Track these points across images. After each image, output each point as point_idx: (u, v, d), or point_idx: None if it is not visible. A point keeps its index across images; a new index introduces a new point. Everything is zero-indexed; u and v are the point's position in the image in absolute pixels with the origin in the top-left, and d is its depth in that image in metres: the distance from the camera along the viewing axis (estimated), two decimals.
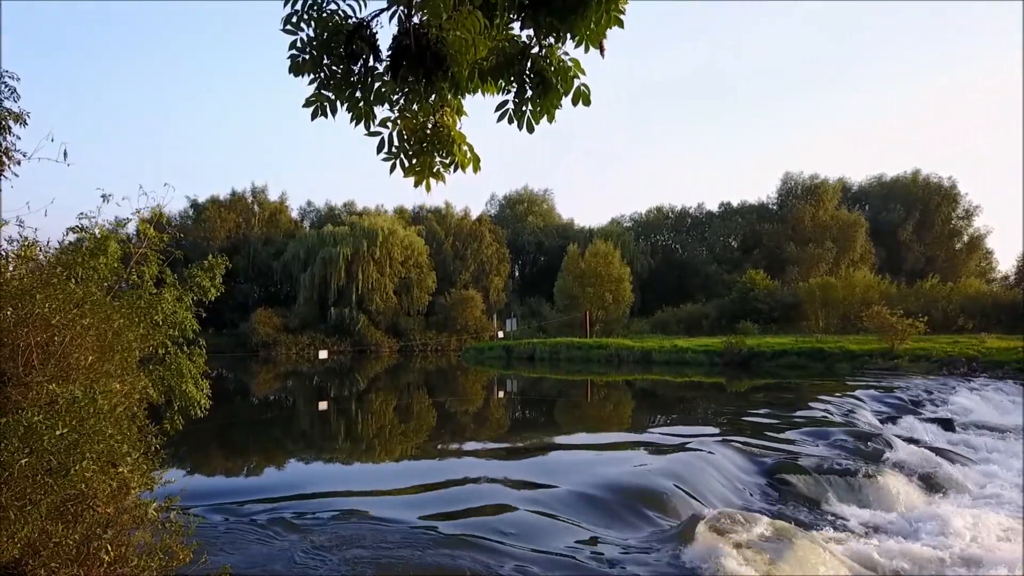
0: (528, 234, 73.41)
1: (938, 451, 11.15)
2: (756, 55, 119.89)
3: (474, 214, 70.12)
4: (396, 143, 3.44)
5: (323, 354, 42.64)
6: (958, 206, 72.16)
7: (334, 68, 3.33)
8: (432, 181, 3.48)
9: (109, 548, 3.38)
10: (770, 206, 71.87)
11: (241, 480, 9.03)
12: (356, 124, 3.31)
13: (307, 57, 3.29)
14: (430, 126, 3.46)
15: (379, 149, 3.42)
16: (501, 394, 23.92)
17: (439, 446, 11.86)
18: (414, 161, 3.44)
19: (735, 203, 73.99)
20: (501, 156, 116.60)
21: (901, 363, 27.75)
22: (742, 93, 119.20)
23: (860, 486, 8.77)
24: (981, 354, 27.77)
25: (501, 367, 35.96)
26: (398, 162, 3.45)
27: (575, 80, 3.60)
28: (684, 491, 7.52)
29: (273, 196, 65.33)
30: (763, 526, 6.39)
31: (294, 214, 68.70)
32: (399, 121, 3.41)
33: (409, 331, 55.45)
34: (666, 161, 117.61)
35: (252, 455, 11.26)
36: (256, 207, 63.68)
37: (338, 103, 3.36)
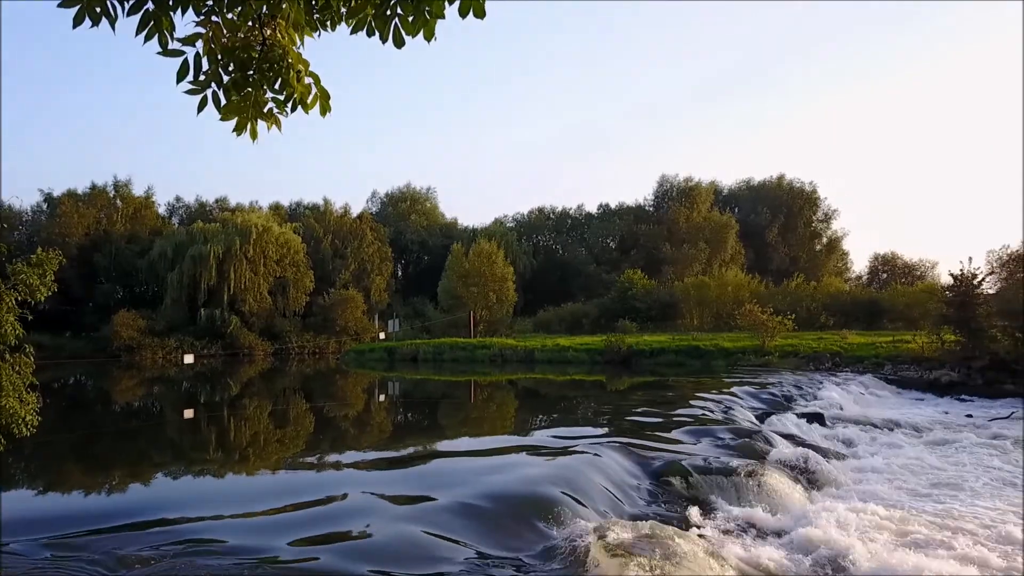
0: (411, 233, 72.27)
1: (814, 447, 11.30)
2: (637, 62, 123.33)
3: (355, 211, 68.34)
4: (207, 68, 2.42)
5: (189, 358, 40.00)
6: (818, 209, 76.60)
7: None
8: (262, 126, 2.53)
9: None
10: (647, 208, 73.86)
11: (91, 501, 7.91)
12: (147, 39, 2.34)
13: None
14: (257, 46, 2.46)
15: (180, 76, 2.41)
16: (383, 397, 23.07)
17: (314, 457, 10.99)
18: (233, 96, 2.43)
19: (613, 204, 75.62)
20: (382, 152, 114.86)
21: (772, 359, 28.80)
22: (619, 98, 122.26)
23: (745, 486, 8.64)
24: (843, 350, 29.24)
25: (383, 369, 34.97)
26: (210, 95, 2.46)
27: None
28: (573, 498, 7.09)
29: (138, 191, 61.19)
30: (653, 534, 6.05)
31: (161, 210, 64.75)
32: (211, 35, 2.42)
33: (285, 333, 53.15)
34: (547, 162, 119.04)
35: (112, 470, 10.07)
36: (119, 202, 59.35)
37: (118, 2, 2.39)
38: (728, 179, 79.53)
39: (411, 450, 11.43)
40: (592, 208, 76.98)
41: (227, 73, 2.39)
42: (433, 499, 6.78)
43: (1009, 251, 29.02)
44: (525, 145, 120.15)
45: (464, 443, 12.49)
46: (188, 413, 18.54)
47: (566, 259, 70.82)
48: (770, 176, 77.39)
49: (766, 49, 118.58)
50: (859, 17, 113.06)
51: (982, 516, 7.62)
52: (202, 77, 2.45)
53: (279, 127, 2.52)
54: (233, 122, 2.42)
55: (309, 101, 2.52)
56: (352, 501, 6.97)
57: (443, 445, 12.18)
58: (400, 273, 73.49)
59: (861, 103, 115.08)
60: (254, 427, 15.34)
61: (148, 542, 5.63)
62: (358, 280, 60.98)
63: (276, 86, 2.45)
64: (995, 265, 28.49)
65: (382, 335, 49.12)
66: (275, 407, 19.64)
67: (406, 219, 74.58)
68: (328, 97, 2.58)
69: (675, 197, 71.66)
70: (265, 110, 2.51)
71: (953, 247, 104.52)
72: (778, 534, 7.33)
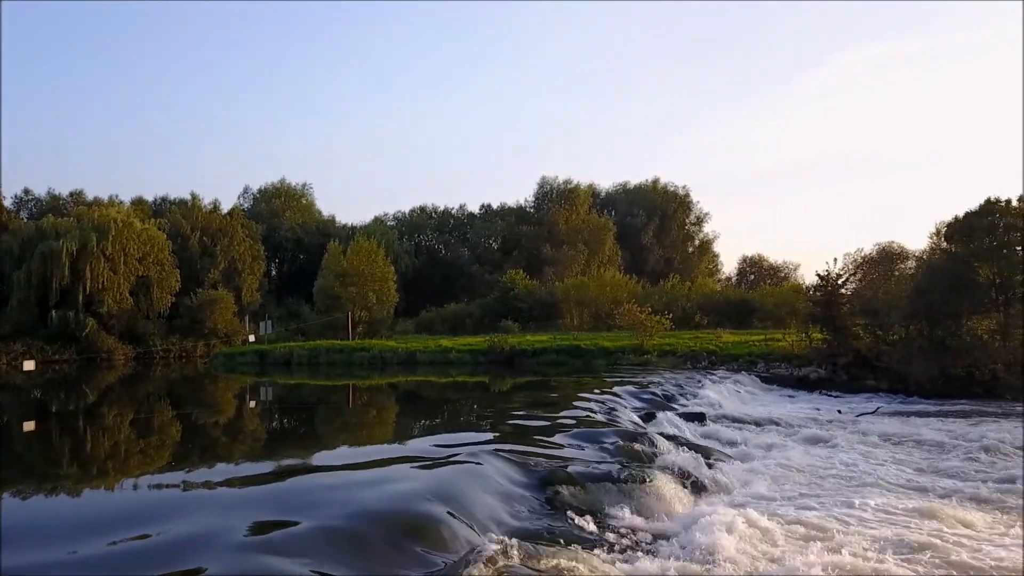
0: (286, 230, 69.66)
1: (699, 448, 11.21)
2: (513, 60, 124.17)
3: (225, 207, 65.08)
4: None
5: (29, 365, 36.19)
6: (691, 213, 79.48)
7: None
8: None
9: None
10: (528, 209, 74.33)
11: None
12: None
13: None
14: None
15: None
16: (254, 404, 21.70)
17: (170, 473, 9.83)
18: None
19: (495, 205, 75.64)
20: (255, 146, 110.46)
21: (651, 358, 29.25)
22: (498, 94, 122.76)
23: (633, 492, 8.33)
24: (719, 348, 30.07)
25: (254, 374, 33.22)
26: None
27: None
28: (456, 516, 6.47)
29: None
30: (542, 552, 5.58)
31: (8, 203, 59.38)
32: None
33: (149, 336, 49.81)
34: (429, 159, 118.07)
35: None
36: None
37: None
38: (606, 182, 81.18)
39: (278, 463, 10.48)
40: (475, 208, 76.77)
41: None
42: (296, 523, 5.99)
43: (863, 254, 30.84)
44: (406, 143, 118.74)
45: (338, 454, 11.66)
46: (28, 426, 16.62)
47: (448, 259, 70.23)
48: (646, 180, 79.75)
49: (642, 54, 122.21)
50: (733, 25, 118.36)
51: (868, 518, 7.57)
52: None
53: None
54: None
55: None
56: (196, 529, 6.06)
57: (314, 456, 11.28)
58: (274, 272, 70.76)
59: (729, 112, 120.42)
60: (105, 442, 13.84)
61: None
62: (228, 280, 58.00)
63: None
64: (851, 267, 30.10)
65: (252, 337, 46.88)
66: (137, 416, 17.96)
67: (280, 216, 71.85)
68: None
69: (555, 199, 72.46)
70: None
71: (813, 250, 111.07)
72: (668, 542, 7.04)
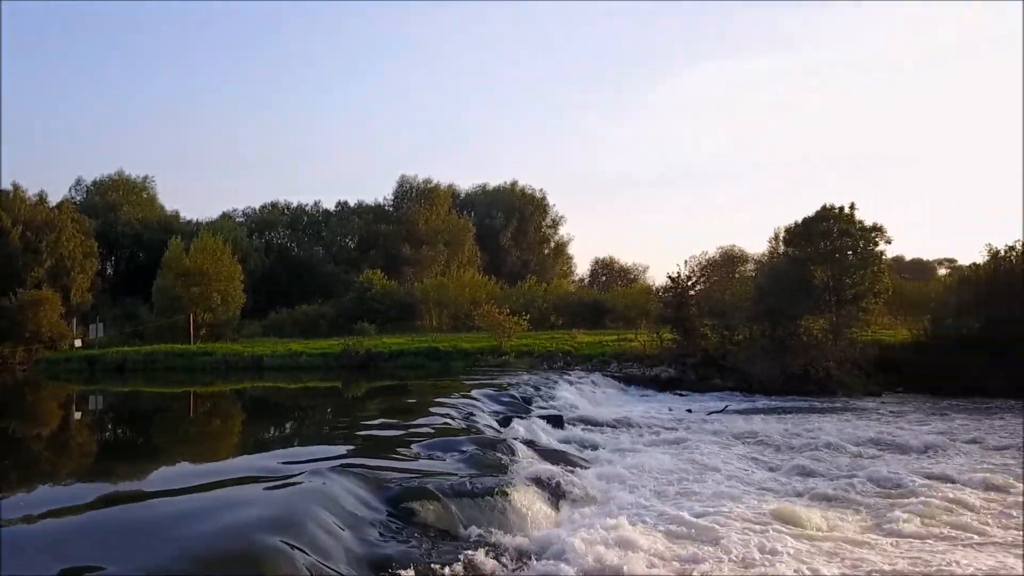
0: (123, 226, 64.70)
1: (557, 454, 11.00)
2: (374, 58, 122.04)
3: (53, 200, 59.45)
4: None
5: None
6: (548, 215, 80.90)
7: None
8: None
9: None
10: (387, 207, 72.96)
11: None
12: None
13: None
14: None
15: None
16: (80, 415, 19.72)
17: None
18: None
19: (352, 202, 73.75)
20: (87, 131, 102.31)
21: (509, 359, 29.21)
22: (356, 91, 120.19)
23: (493, 506, 7.92)
24: (574, 348, 30.48)
25: (82, 381, 30.47)
26: None
27: None
28: (298, 548, 5.76)
29: None
30: None
31: None
32: None
33: None
34: (283, 154, 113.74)
35: None
36: None
37: None
38: (465, 183, 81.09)
39: (105, 485, 9.30)
40: (330, 205, 74.46)
41: None
42: (100, 569, 5.10)
43: (708, 257, 32.29)
44: (257, 137, 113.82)
45: (173, 472, 10.51)
46: None
47: (302, 258, 67.62)
48: (504, 182, 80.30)
49: (502, 57, 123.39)
50: (593, 32, 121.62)
51: (732, 521, 7.53)
52: None
53: None
54: None
55: None
56: None
57: (147, 476, 10.11)
58: (110, 271, 65.52)
59: (585, 119, 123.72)
60: None
61: None
62: (55, 279, 52.89)
63: None
64: (696, 269, 31.38)
65: (78, 342, 43.07)
66: None
67: (117, 211, 66.68)
68: None
69: (415, 198, 71.56)
70: None
71: (661, 253, 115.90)
72: (529, 561, 6.68)
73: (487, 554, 6.69)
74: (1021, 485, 9.32)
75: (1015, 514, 8.08)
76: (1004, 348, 21.68)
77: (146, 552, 5.56)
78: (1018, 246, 24.63)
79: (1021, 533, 7.35)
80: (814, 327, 24.46)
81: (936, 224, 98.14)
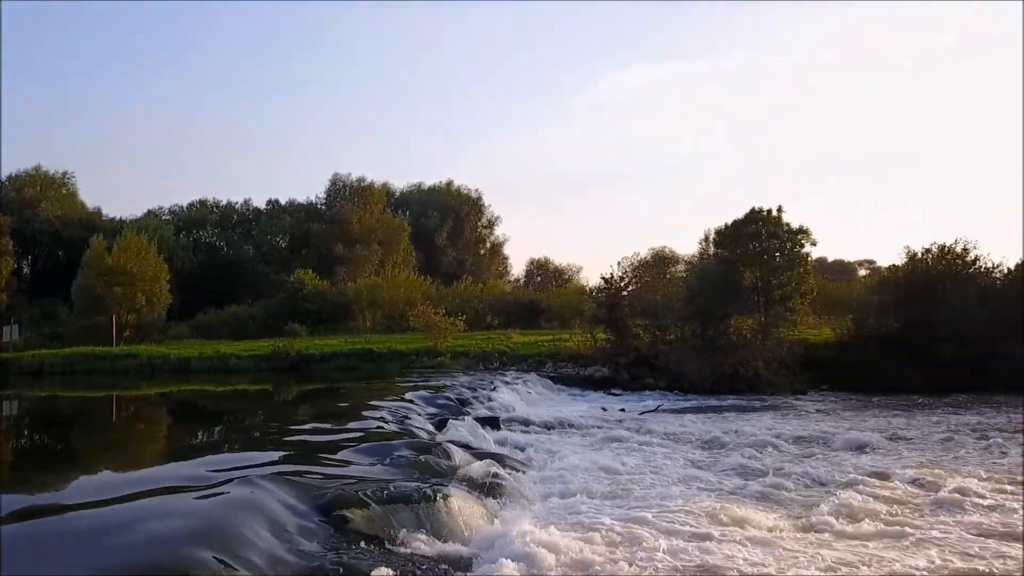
0: (41, 223, 62.06)
1: (494, 456, 10.93)
2: (307, 56, 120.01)
3: None
4: None
5: None
6: (483, 216, 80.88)
7: None
8: None
9: None
10: (319, 206, 71.79)
11: None
12: None
13: None
14: None
15: None
16: None
17: None
18: None
19: (283, 201, 72.36)
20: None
21: (445, 360, 29.08)
22: (289, 87, 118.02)
23: (429, 512, 7.80)
24: (510, 349, 30.55)
25: None
26: None
27: None
28: (225, 562, 5.56)
29: None
30: None
31: None
32: None
33: None
34: (212, 151, 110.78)
35: None
36: None
37: None
38: (400, 182, 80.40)
39: (19, 497, 8.81)
40: (261, 203, 72.84)
41: None
42: None
43: (640, 257, 32.80)
44: (185, 133, 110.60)
45: (94, 482, 10.03)
46: None
47: (231, 257, 65.97)
48: (440, 181, 79.95)
49: (438, 56, 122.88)
50: (529, 34, 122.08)
51: (665, 519, 7.61)
52: None
53: None
54: None
55: None
56: None
57: (66, 487, 9.63)
58: (26, 270, 62.84)
59: (520, 120, 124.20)
60: None
61: None
62: None
63: None
64: (629, 270, 31.87)
65: None
66: None
67: (35, 207, 63.92)
68: None
69: (348, 197, 70.58)
70: None
71: (594, 253, 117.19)
72: (465, 569, 6.63)
73: (422, 560, 6.62)
74: (948, 480, 9.69)
75: (942, 509, 8.35)
76: (920, 349, 22.68)
77: (65, 569, 5.30)
78: (934, 249, 25.77)
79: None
80: (743, 327, 25.09)
81: (859, 225, 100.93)
